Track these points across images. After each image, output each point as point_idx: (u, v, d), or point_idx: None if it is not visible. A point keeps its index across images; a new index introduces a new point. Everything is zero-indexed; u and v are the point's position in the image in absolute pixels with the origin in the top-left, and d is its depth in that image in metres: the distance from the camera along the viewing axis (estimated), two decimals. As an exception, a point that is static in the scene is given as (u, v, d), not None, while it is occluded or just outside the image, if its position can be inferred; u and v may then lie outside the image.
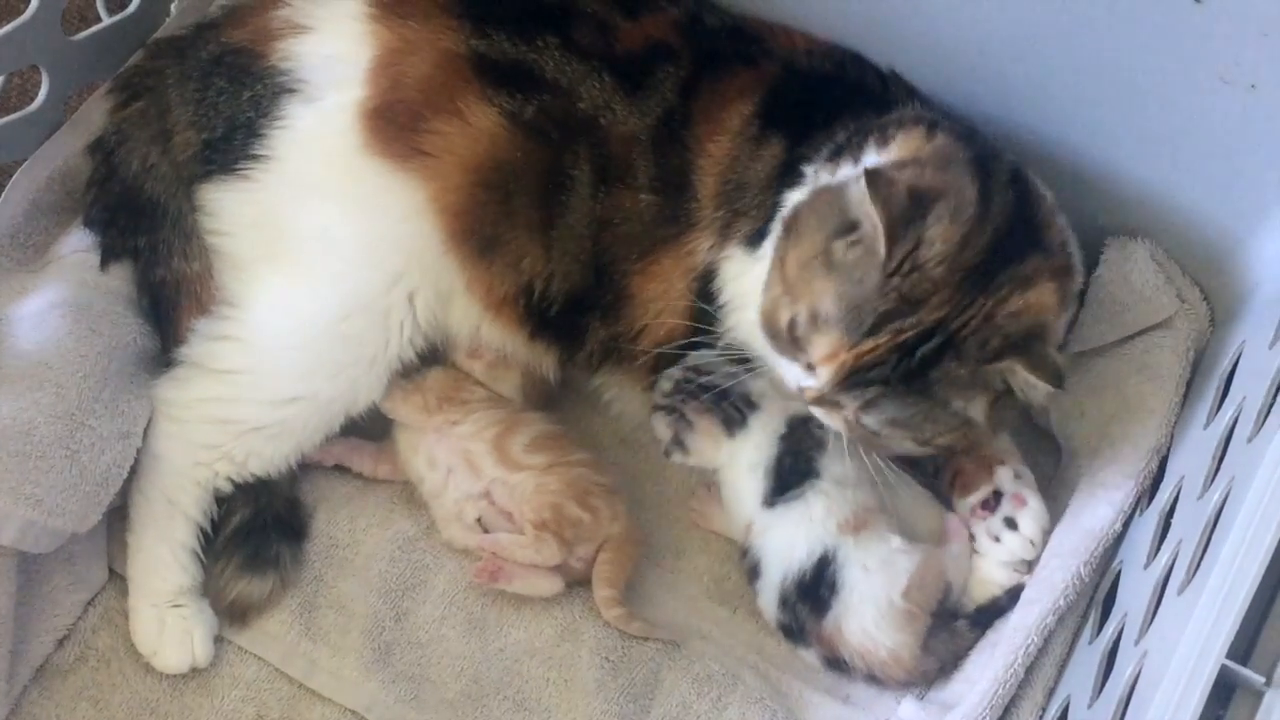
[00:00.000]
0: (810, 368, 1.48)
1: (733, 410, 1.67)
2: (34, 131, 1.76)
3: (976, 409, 1.48)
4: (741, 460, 1.67)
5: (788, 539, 1.62)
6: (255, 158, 1.61)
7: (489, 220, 1.62)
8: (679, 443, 1.68)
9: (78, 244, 1.70)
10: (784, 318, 1.48)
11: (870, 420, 1.48)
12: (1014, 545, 1.62)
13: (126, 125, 1.70)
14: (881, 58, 1.70)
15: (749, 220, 1.60)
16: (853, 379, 1.44)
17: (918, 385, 1.44)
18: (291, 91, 1.61)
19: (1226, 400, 1.53)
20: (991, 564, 1.63)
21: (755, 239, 1.59)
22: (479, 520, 1.68)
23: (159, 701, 1.62)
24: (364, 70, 1.61)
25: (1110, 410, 1.68)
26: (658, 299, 1.65)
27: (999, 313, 1.43)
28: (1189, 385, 1.65)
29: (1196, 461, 1.49)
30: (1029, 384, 1.44)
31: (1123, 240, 1.71)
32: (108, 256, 1.69)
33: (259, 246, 1.63)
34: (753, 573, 1.66)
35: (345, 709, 1.62)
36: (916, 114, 1.59)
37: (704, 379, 1.66)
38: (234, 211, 1.63)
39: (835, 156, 1.56)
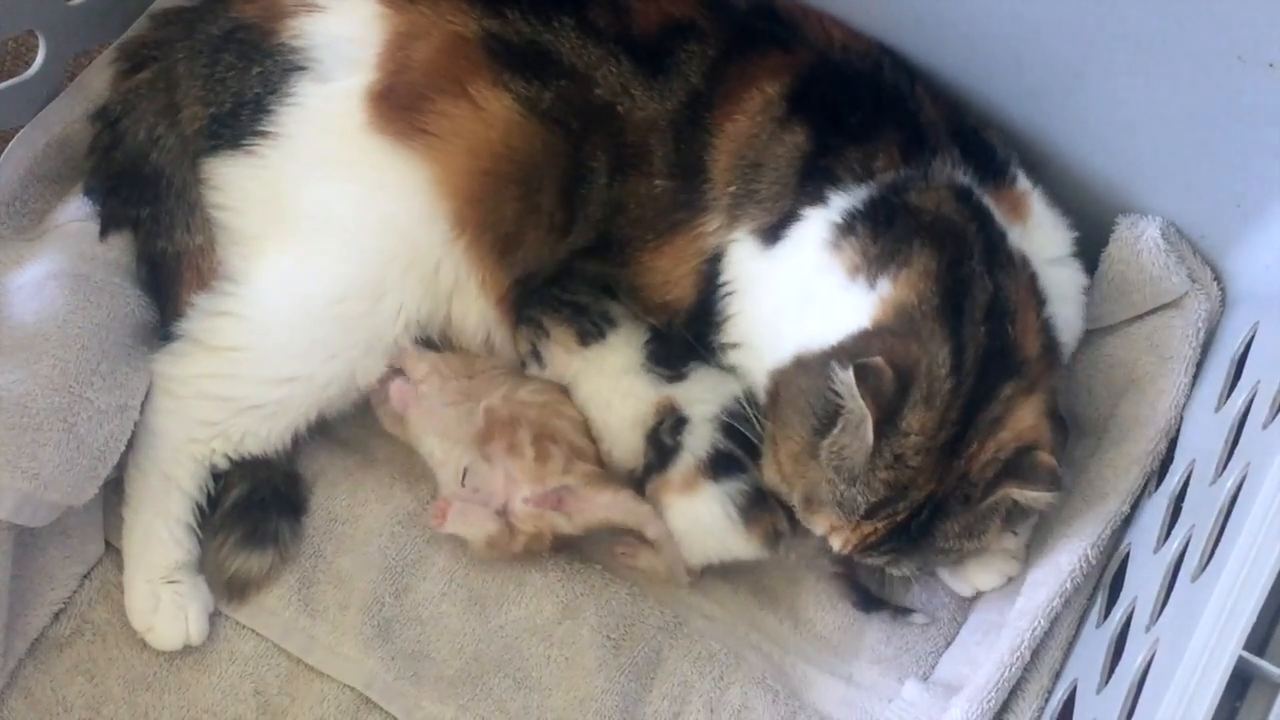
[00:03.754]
0: None
1: (589, 324, 1.68)
2: (30, 97, 1.74)
3: (990, 534, 1.51)
4: (609, 367, 1.69)
5: (711, 384, 1.66)
6: (262, 134, 1.59)
7: (511, 217, 1.60)
8: (536, 354, 1.69)
9: (76, 212, 1.68)
10: (783, 495, 1.55)
11: (898, 571, 1.54)
12: (956, 585, 1.67)
13: (132, 95, 1.68)
14: (890, 36, 1.68)
15: (763, 211, 1.58)
16: (864, 548, 1.49)
17: (925, 544, 1.48)
18: (302, 69, 1.59)
19: (1239, 383, 1.52)
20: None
21: (770, 236, 1.57)
22: (465, 472, 1.66)
23: (155, 676, 1.61)
24: (375, 54, 1.59)
25: (1118, 390, 1.67)
26: (665, 273, 1.64)
27: (975, 465, 1.45)
28: (1199, 367, 1.63)
29: (1207, 445, 1.48)
30: (1027, 499, 1.47)
31: (1134, 218, 1.68)
32: (107, 226, 1.67)
33: (262, 223, 1.61)
34: (677, 427, 1.64)
35: (344, 685, 1.62)
36: (931, 219, 1.52)
37: (567, 296, 1.68)
38: (239, 186, 1.61)
39: (854, 227, 1.52)
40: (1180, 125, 1.59)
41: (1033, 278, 1.53)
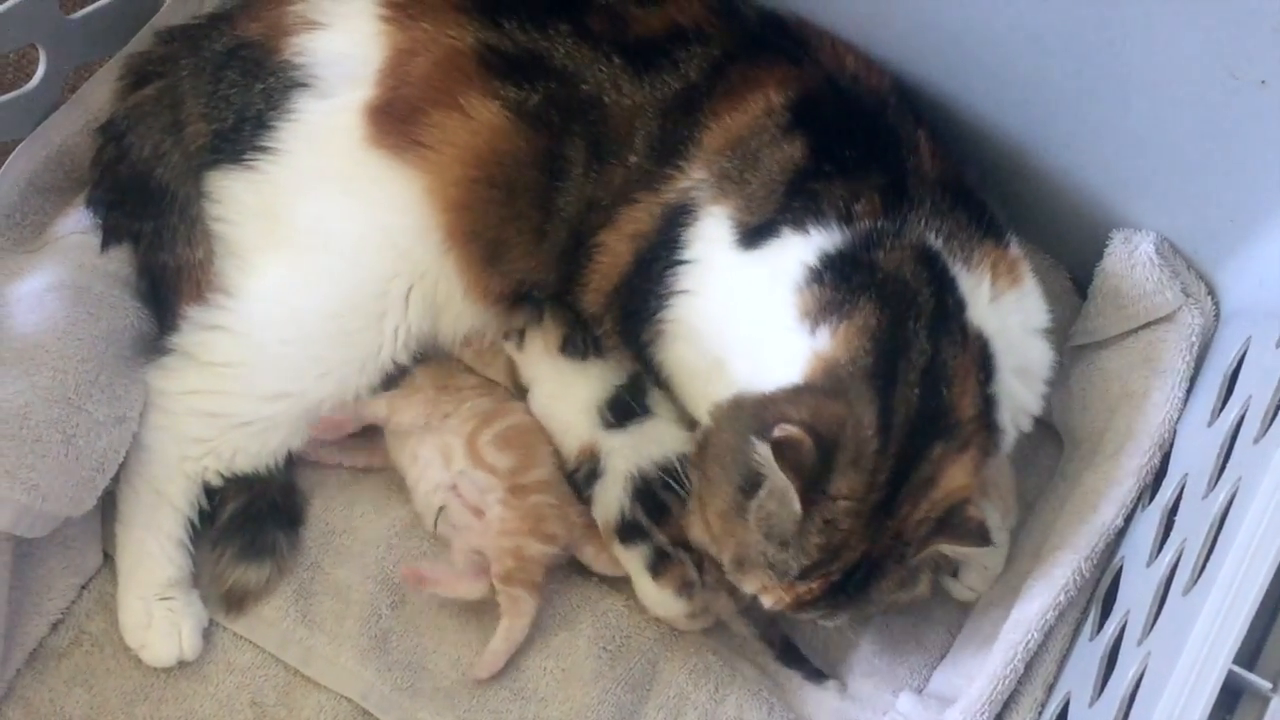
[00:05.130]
0: None
1: (580, 341, 1.69)
2: (31, 110, 1.75)
3: (923, 584, 1.51)
4: (574, 397, 1.69)
5: (636, 445, 1.65)
6: (262, 149, 1.59)
7: (494, 222, 1.60)
8: (520, 335, 1.70)
9: (76, 225, 1.69)
10: (711, 553, 1.52)
11: (830, 623, 1.54)
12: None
13: (137, 110, 1.68)
14: (884, 50, 1.68)
15: (747, 203, 1.55)
16: (797, 606, 1.47)
17: (860, 599, 1.47)
18: (303, 86, 1.59)
19: (1231, 398, 1.52)
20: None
21: (747, 239, 1.54)
22: (440, 511, 1.66)
23: (153, 687, 1.61)
24: (375, 70, 1.59)
25: (1112, 403, 1.66)
26: (614, 245, 1.62)
27: (908, 524, 1.43)
28: (1192, 381, 1.64)
29: (1200, 459, 1.48)
30: (958, 554, 1.50)
31: (1128, 233, 1.69)
32: (109, 238, 1.67)
33: (260, 236, 1.61)
34: (590, 479, 1.66)
35: (341, 696, 1.62)
36: (884, 278, 1.49)
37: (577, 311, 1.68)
38: (238, 200, 1.62)
39: (822, 276, 1.49)
40: (1175, 142, 1.59)
41: (983, 351, 1.50)
